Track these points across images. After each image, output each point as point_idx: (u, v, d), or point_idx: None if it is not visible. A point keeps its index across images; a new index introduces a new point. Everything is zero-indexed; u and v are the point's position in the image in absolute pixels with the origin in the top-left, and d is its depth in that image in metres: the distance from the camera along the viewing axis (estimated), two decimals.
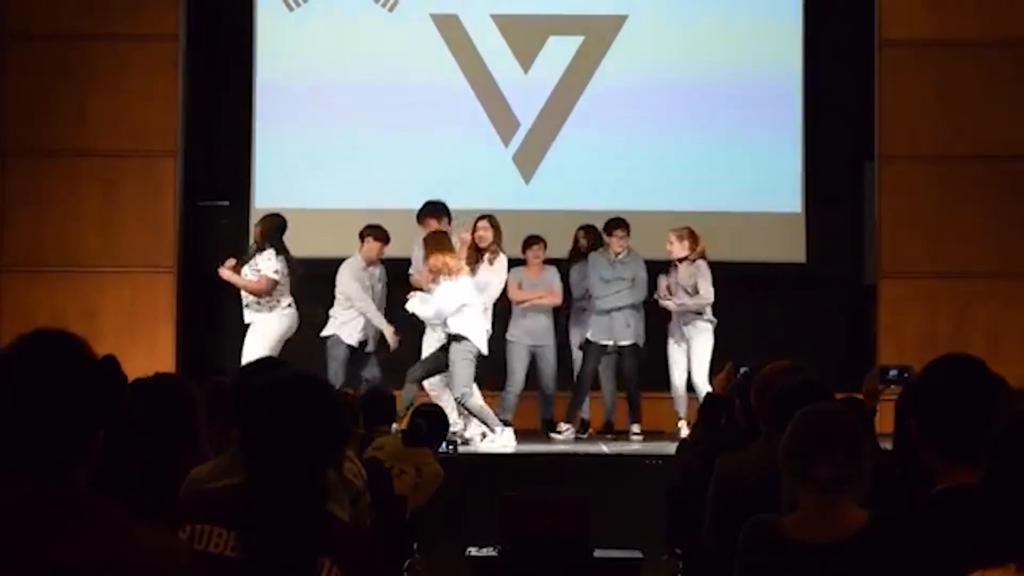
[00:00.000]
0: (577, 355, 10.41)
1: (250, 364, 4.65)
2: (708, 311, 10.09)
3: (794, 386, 4.12)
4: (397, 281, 10.42)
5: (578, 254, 10.52)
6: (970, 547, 2.52)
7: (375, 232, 9.99)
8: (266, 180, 11.51)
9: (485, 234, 9.84)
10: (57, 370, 2.04)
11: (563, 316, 10.47)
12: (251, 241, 9.94)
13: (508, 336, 10.13)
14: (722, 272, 10.42)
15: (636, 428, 10.23)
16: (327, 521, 2.62)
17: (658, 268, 10.76)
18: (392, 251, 10.49)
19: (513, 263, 10.13)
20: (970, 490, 2.69)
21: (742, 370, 5.47)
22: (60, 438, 2.01)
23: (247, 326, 9.57)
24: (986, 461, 2.12)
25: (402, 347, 9.93)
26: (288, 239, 9.72)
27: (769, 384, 4.38)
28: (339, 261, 10.36)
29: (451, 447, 8.60)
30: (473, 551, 7.27)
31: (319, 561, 2.54)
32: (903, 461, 3.75)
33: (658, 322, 10.32)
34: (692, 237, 10.07)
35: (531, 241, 10.31)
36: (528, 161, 11.52)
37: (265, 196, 11.41)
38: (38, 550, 1.92)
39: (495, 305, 9.92)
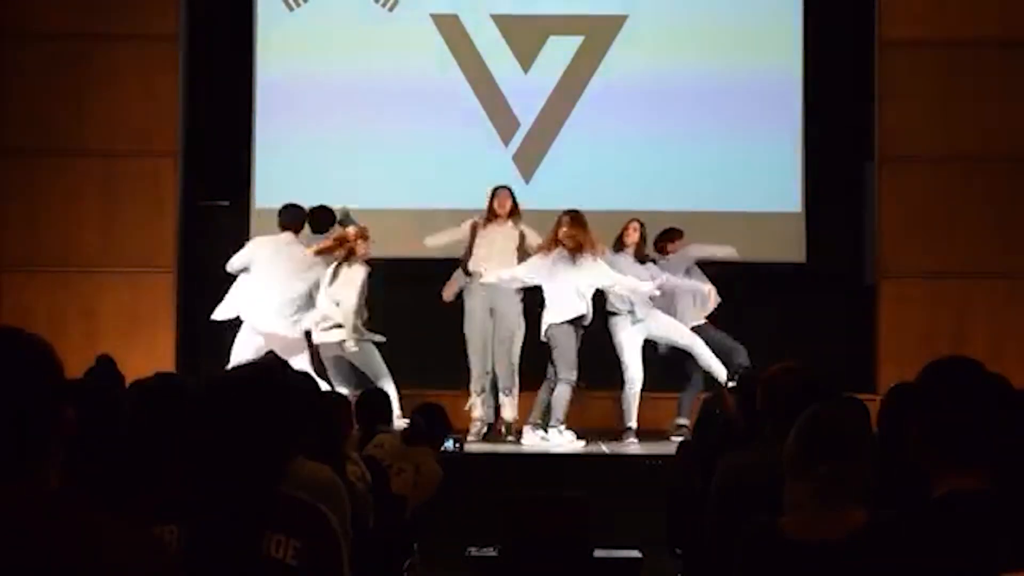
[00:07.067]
0: None
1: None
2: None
3: (801, 386, 4.12)
4: (395, 282, 10.43)
5: None
6: (980, 550, 2.52)
7: None
8: (266, 180, 11.49)
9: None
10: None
11: None
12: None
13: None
14: (722, 272, 10.41)
15: None
16: (275, 500, 2.64)
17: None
18: (392, 251, 10.50)
19: None
20: (976, 494, 2.69)
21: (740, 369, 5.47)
22: (13, 435, 1.96)
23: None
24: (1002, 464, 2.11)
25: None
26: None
27: (776, 384, 4.37)
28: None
29: (458, 444, 8.59)
30: (473, 551, 7.27)
31: (267, 537, 2.56)
32: (897, 463, 3.75)
33: None
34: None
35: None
36: (528, 161, 11.50)
37: (265, 196, 11.38)
38: (9, 550, 1.88)
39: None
